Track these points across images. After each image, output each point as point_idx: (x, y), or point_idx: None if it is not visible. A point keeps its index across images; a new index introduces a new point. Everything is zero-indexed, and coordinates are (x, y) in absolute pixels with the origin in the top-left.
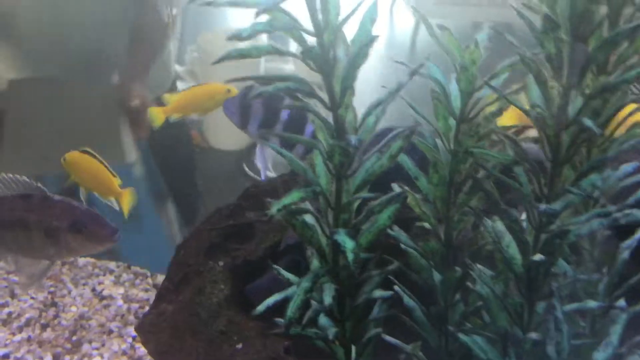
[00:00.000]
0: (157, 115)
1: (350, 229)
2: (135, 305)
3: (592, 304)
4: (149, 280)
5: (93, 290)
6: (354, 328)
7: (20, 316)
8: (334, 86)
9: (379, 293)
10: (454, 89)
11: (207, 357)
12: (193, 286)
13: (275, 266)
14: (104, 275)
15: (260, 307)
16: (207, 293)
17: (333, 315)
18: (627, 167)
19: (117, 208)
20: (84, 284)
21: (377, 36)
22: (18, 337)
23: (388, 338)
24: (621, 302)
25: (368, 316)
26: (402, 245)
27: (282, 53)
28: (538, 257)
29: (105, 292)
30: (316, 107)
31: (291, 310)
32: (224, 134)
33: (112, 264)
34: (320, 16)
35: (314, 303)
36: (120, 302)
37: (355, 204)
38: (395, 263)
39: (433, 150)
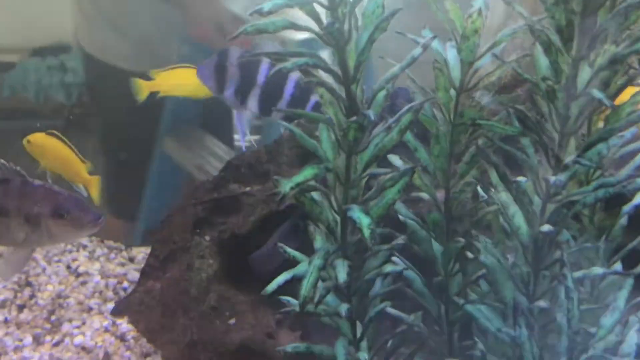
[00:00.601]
0: (141, 88)
1: (361, 205)
2: (113, 281)
3: (597, 270)
4: (124, 253)
5: (68, 267)
6: (360, 304)
7: None
8: (347, 61)
9: (389, 268)
10: (452, 59)
11: (201, 335)
12: (180, 262)
13: (280, 244)
14: (77, 251)
15: (271, 286)
16: (195, 269)
17: (341, 291)
18: (627, 134)
19: (85, 194)
20: (57, 261)
21: (400, 9)
22: None
23: (390, 310)
24: (617, 266)
25: (371, 291)
26: (401, 217)
27: (299, 28)
28: (547, 227)
29: (80, 269)
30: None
31: (305, 289)
32: None
33: (84, 239)
34: None
35: (321, 281)
36: (97, 278)
37: (364, 180)
38: (401, 237)
39: (434, 122)
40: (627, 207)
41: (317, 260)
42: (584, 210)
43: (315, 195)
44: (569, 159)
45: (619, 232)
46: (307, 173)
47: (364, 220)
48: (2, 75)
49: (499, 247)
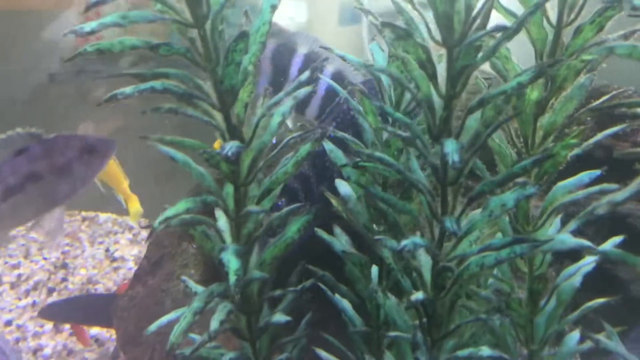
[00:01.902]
0: None
1: (250, 244)
2: None
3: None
4: None
5: (107, 250)
6: (268, 349)
7: (29, 279)
8: (226, 82)
9: (278, 317)
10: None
11: (161, 356)
12: (164, 269)
13: None
14: (122, 232)
15: (151, 328)
16: (175, 279)
17: (242, 334)
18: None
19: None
20: (100, 243)
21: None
22: (23, 303)
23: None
24: None
25: (281, 336)
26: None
27: (154, 47)
28: (417, 296)
29: (117, 254)
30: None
31: (174, 335)
32: None
33: (134, 221)
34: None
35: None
36: (130, 264)
37: (260, 215)
38: (310, 280)
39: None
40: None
41: (196, 303)
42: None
43: (207, 229)
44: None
45: None
46: (180, 206)
47: (233, 264)
48: None
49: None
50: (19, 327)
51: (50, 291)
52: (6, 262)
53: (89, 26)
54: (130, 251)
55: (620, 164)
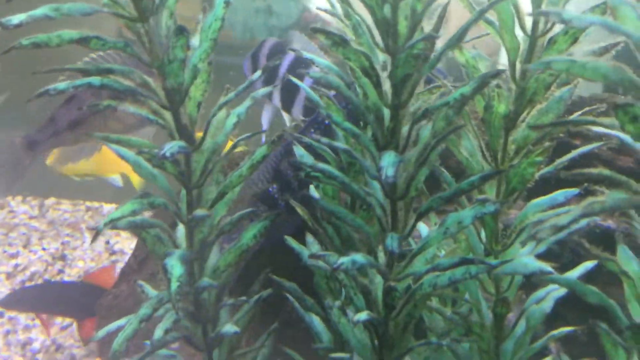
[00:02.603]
0: None
1: (204, 250)
2: None
3: None
4: None
5: (107, 243)
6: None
7: (25, 269)
8: (170, 79)
9: (227, 328)
10: None
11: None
12: (148, 269)
13: None
14: None
15: (100, 334)
16: (158, 279)
17: (196, 344)
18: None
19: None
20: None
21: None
22: None
23: None
24: None
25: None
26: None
27: (95, 45)
28: (359, 316)
29: (117, 247)
30: None
31: (117, 342)
32: None
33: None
34: None
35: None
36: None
37: (215, 219)
38: (268, 290)
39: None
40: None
41: (144, 310)
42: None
43: (160, 232)
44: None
45: None
46: (125, 208)
47: (176, 271)
48: None
49: None
50: (10, 319)
51: None
52: (5, 251)
53: (17, 18)
54: (130, 244)
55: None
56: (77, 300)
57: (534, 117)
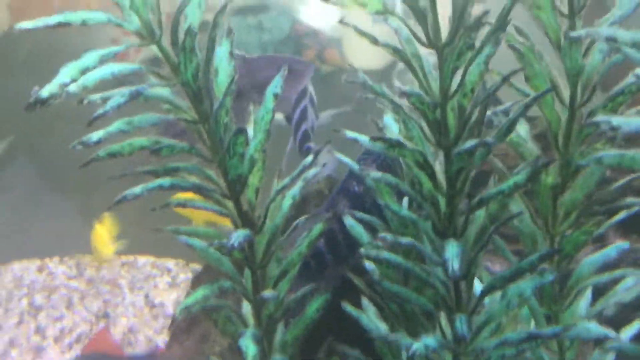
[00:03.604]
0: None
1: (271, 326)
2: None
3: None
4: None
5: (146, 296)
6: None
7: (72, 331)
8: (231, 172)
9: None
10: None
11: None
12: (200, 329)
13: None
14: (161, 275)
15: None
16: (211, 340)
17: None
18: None
19: None
20: (139, 288)
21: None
22: (67, 356)
23: None
24: None
25: None
26: None
27: (154, 149)
28: None
29: (157, 300)
30: None
31: None
32: (363, 53)
33: (170, 262)
34: None
35: None
36: (169, 309)
37: (280, 296)
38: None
39: None
40: None
41: None
42: None
43: (229, 312)
44: None
45: None
46: (197, 295)
47: (251, 350)
48: None
49: None
50: None
51: None
52: (49, 315)
53: (96, 135)
54: (170, 295)
55: None
56: None
57: (581, 180)
